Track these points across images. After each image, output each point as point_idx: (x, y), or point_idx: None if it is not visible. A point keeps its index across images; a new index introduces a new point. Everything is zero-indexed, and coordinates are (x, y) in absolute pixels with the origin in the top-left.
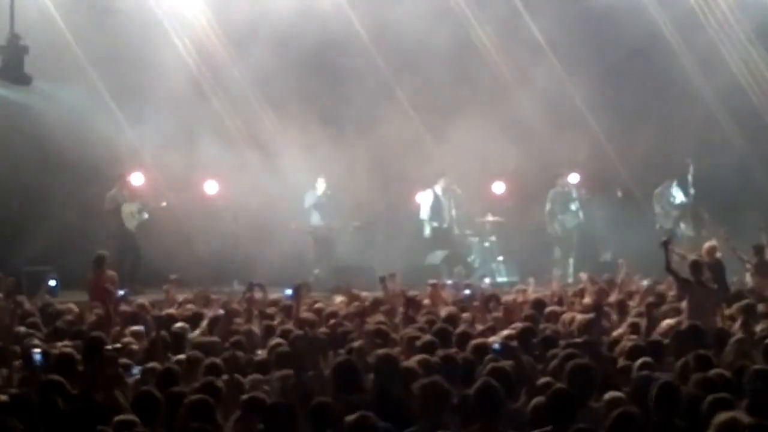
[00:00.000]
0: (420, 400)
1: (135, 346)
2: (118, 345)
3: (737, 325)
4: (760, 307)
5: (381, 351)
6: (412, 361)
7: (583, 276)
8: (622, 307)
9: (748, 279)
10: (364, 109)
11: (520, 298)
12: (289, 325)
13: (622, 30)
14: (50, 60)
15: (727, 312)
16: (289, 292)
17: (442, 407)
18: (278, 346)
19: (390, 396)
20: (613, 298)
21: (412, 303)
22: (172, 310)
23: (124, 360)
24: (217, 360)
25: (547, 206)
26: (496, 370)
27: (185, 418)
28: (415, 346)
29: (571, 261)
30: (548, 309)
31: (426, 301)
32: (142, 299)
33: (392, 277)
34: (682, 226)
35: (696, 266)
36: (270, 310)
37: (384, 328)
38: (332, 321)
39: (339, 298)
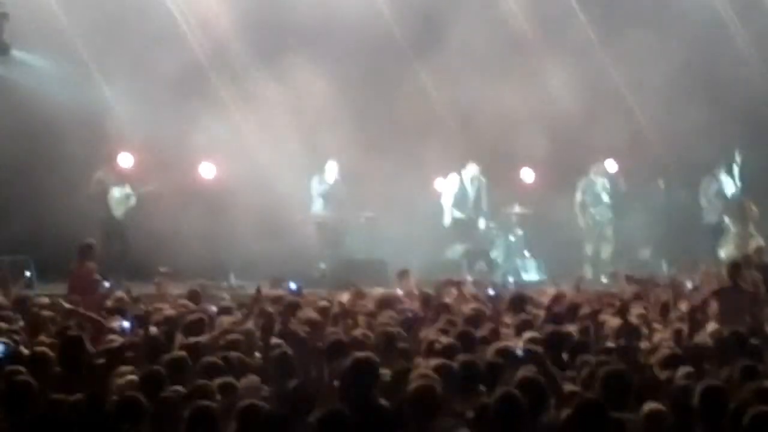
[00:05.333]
0: (410, 405)
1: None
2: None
3: None
4: None
5: (359, 354)
6: (428, 366)
7: (618, 274)
8: (663, 311)
9: None
10: (380, 88)
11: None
12: (290, 326)
13: (668, 4)
14: (33, 29)
15: None
16: (293, 286)
17: (433, 413)
18: (276, 347)
19: (369, 403)
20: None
21: (440, 306)
22: (164, 306)
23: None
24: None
25: (578, 196)
26: (523, 380)
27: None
28: (434, 349)
29: (605, 258)
30: (580, 311)
31: (448, 300)
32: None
33: (406, 274)
34: (727, 220)
35: (734, 268)
36: (271, 308)
37: (391, 331)
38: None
39: (344, 296)
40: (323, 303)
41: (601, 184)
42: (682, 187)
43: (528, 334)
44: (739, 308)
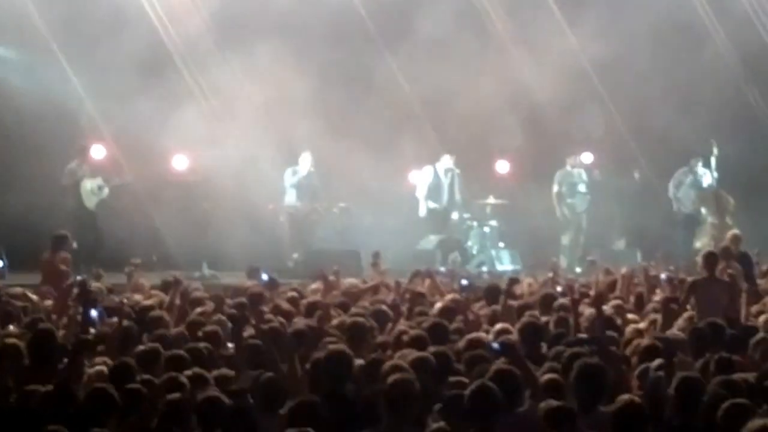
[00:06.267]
0: (386, 398)
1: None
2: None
3: (761, 322)
4: None
5: (333, 347)
6: (399, 359)
7: (596, 264)
8: (638, 302)
9: None
10: (354, 79)
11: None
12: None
13: None
14: (2, 22)
15: (754, 309)
16: (264, 277)
17: (410, 406)
18: (249, 339)
19: (341, 396)
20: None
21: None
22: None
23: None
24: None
25: (555, 188)
26: (498, 372)
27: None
28: (403, 341)
29: (580, 249)
30: (555, 302)
31: (421, 291)
32: (102, 283)
33: (377, 258)
34: (703, 211)
35: (710, 258)
36: (239, 299)
37: (362, 322)
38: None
39: (313, 285)
40: (292, 294)
41: (577, 175)
42: (657, 178)
43: (505, 326)
44: (715, 299)
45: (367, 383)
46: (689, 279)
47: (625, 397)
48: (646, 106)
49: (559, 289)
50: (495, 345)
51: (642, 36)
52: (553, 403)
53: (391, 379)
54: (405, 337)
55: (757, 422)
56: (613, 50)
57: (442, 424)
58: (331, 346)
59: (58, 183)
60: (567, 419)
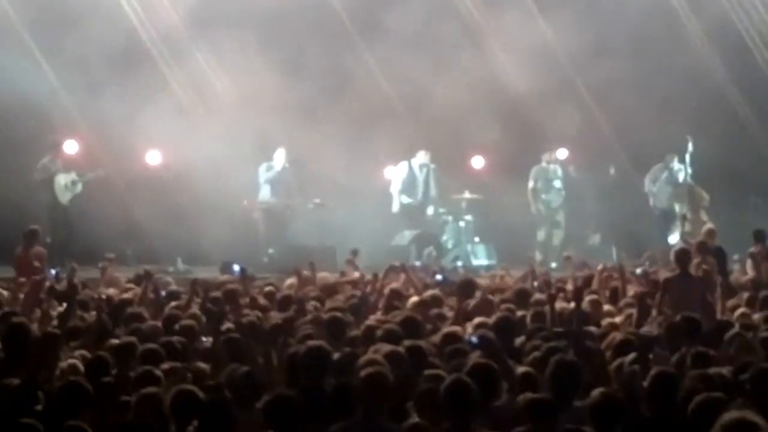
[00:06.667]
0: (359, 392)
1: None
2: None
3: (736, 317)
4: (762, 297)
5: (311, 342)
6: (374, 353)
7: (572, 259)
8: (613, 297)
9: (749, 268)
10: (329, 75)
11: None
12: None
13: None
14: None
15: (729, 304)
16: (236, 268)
17: (383, 400)
18: (225, 333)
19: (320, 390)
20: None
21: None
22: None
23: None
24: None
25: (530, 183)
26: (476, 366)
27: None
28: (377, 335)
29: (555, 244)
30: (530, 297)
31: (395, 286)
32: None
33: (354, 255)
34: (677, 207)
35: (683, 254)
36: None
37: (340, 317)
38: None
39: (289, 281)
40: (269, 288)
41: (552, 171)
42: (632, 174)
43: (477, 320)
44: (689, 295)
45: (342, 376)
46: (663, 275)
47: (601, 390)
48: (622, 102)
49: (535, 284)
50: (473, 339)
51: (619, 31)
52: (534, 395)
53: (363, 372)
54: (378, 332)
55: (730, 415)
56: (588, 46)
57: (417, 419)
58: (310, 342)
59: (31, 178)
60: (548, 411)
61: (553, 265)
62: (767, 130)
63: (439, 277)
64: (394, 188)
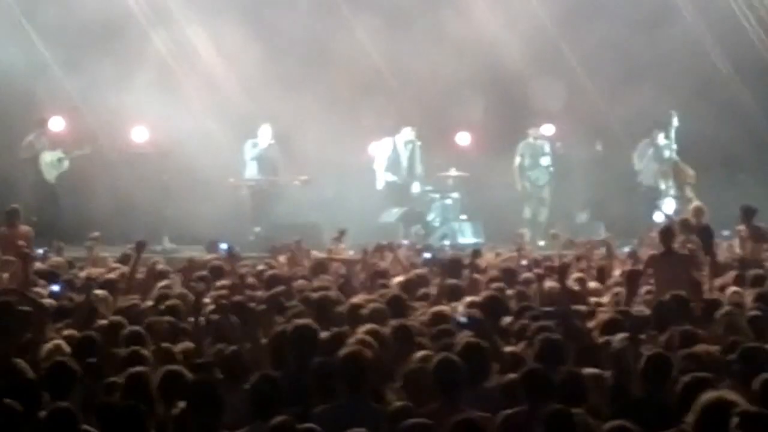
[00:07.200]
0: (341, 372)
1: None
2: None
3: (726, 295)
4: (750, 276)
5: (299, 321)
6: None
7: (559, 237)
8: (601, 275)
9: (736, 246)
10: (314, 51)
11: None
12: (222, 291)
13: None
14: None
15: (717, 282)
16: (224, 246)
17: (364, 380)
18: (212, 312)
19: (304, 369)
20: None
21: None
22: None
23: None
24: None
25: (516, 160)
26: (466, 346)
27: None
28: (362, 315)
29: (542, 221)
30: (518, 275)
31: (382, 264)
32: (62, 257)
33: (341, 235)
34: (662, 183)
35: (667, 233)
36: (200, 273)
37: (329, 296)
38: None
39: (280, 258)
40: (259, 267)
41: (539, 147)
42: (619, 150)
43: (467, 299)
44: (674, 273)
45: (329, 356)
46: (648, 253)
47: (590, 370)
48: (609, 77)
49: (523, 262)
50: (462, 318)
51: (606, 5)
52: (530, 368)
53: (343, 352)
54: (364, 311)
55: (709, 394)
56: (576, 20)
57: (403, 401)
58: (297, 321)
59: (17, 156)
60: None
61: (540, 243)
62: (758, 105)
63: (426, 255)
64: (378, 165)
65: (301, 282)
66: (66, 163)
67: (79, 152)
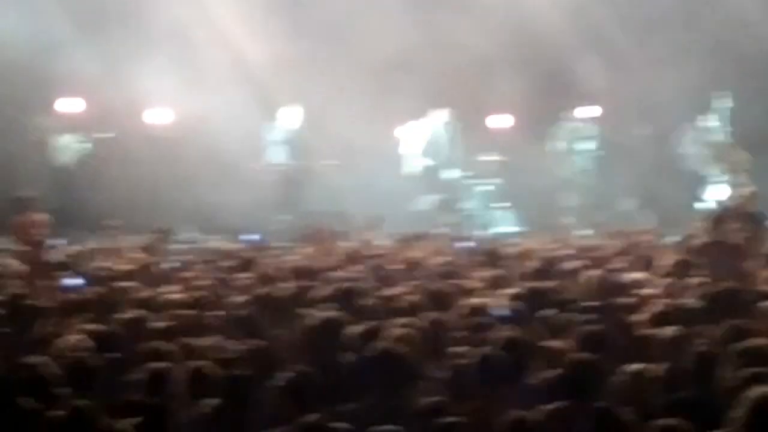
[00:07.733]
0: (375, 369)
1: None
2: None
3: None
4: None
5: (324, 315)
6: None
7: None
8: (647, 266)
9: None
10: (343, 30)
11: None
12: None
13: None
14: None
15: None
16: (254, 237)
17: (399, 376)
18: (240, 306)
19: (334, 364)
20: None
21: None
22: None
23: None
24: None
25: (558, 144)
26: (509, 340)
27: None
28: (401, 307)
29: (586, 209)
30: (560, 266)
31: (417, 254)
32: (79, 247)
33: (378, 222)
34: (713, 169)
35: (717, 221)
36: (227, 263)
37: (363, 287)
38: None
39: (309, 249)
40: (289, 257)
41: (583, 130)
42: (669, 133)
43: (507, 291)
44: (726, 263)
45: (362, 351)
46: (698, 242)
47: (638, 365)
48: (658, 55)
49: (564, 252)
50: (503, 311)
51: None
52: (573, 366)
53: (379, 347)
54: (399, 304)
55: (760, 389)
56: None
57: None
58: (323, 313)
59: (29, 138)
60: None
61: (585, 232)
62: None
63: (465, 244)
64: (410, 149)
65: (332, 273)
66: (83, 147)
67: (98, 136)
